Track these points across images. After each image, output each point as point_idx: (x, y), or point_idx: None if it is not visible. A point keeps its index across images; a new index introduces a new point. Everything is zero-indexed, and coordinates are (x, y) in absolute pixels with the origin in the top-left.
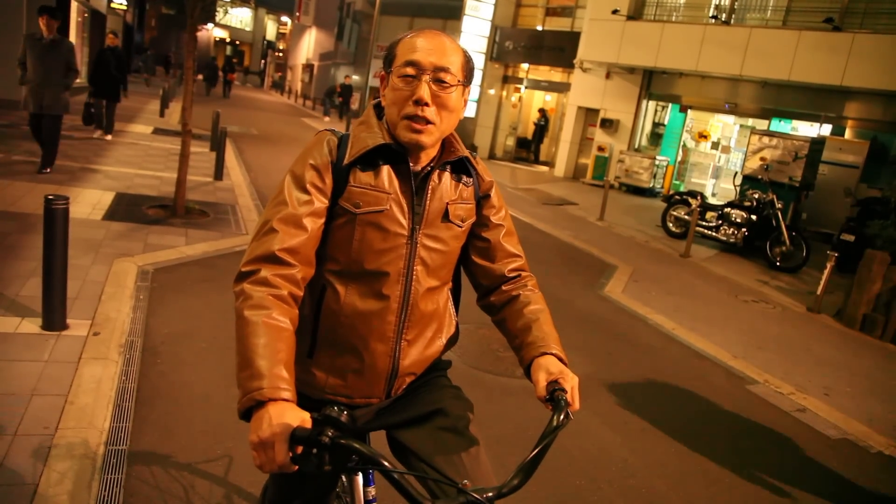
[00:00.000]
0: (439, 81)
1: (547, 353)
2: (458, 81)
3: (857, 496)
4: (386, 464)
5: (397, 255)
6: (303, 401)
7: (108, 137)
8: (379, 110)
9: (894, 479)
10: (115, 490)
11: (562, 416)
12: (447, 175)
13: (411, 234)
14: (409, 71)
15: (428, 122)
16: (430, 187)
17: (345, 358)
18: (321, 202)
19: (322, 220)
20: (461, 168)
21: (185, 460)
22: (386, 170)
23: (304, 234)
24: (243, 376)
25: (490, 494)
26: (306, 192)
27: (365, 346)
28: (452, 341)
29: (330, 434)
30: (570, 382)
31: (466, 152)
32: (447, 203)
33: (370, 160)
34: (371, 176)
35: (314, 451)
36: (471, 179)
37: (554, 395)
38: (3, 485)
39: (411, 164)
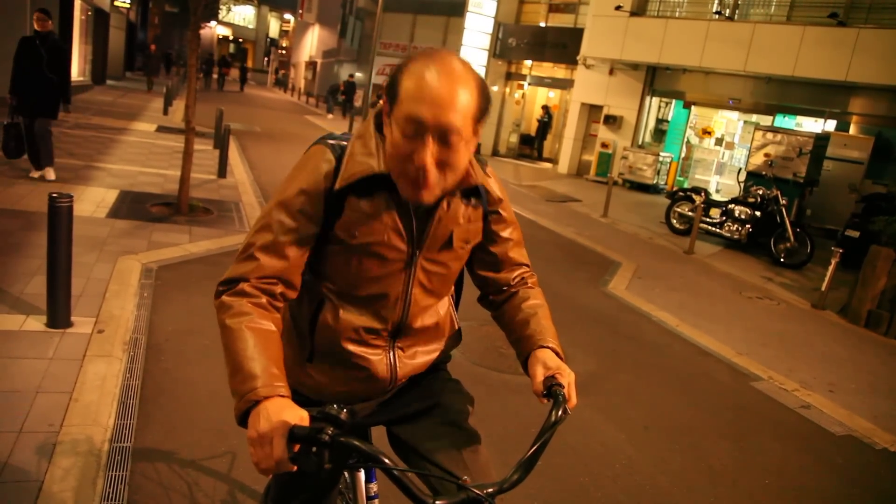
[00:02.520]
0: (445, 142)
1: (544, 347)
2: (469, 137)
3: (862, 493)
4: (387, 461)
5: (395, 279)
6: (302, 401)
7: (52, 175)
8: (381, 120)
9: None
10: (120, 487)
11: (559, 412)
12: (457, 200)
13: (410, 259)
14: (411, 130)
15: (430, 182)
16: (437, 215)
17: (343, 367)
18: (309, 230)
19: (308, 248)
20: (473, 191)
21: (189, 457)
22: (384, 196)
23: (284, 263)
24: (235, 382)
25: (491, 490)
26: (293, 218)
27: (364, 359)
28: (454, 344)
29: (329, 432)
30: (568, 378)
31: (483, 178)
32: (452, 229)
33: (367, 185)
34: (368, 203)
35: (313, 449)
36: (480, 200)
37: (552, 390)
38: (9, 481)
39: None
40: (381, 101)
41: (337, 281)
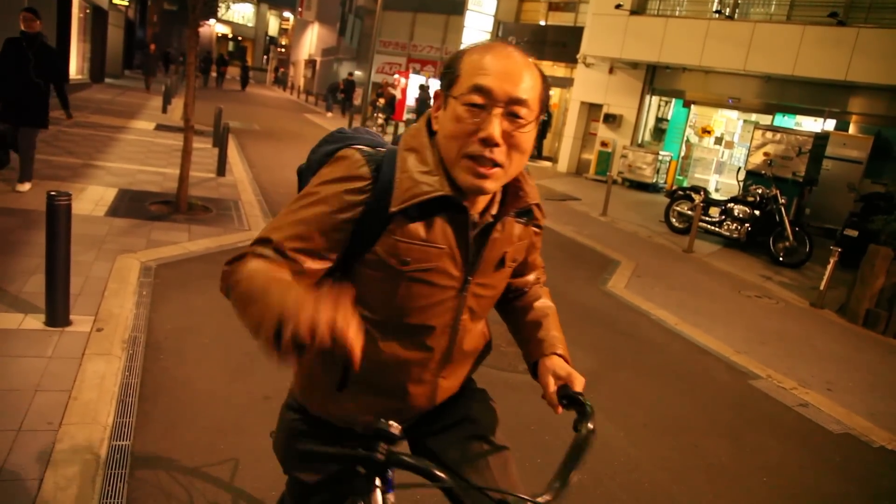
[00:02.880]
0: (514, 116)
1: (554, 354)
2: (536, 117)
3: (859, 490)
4: (441, 475)
5: (445, 308)
6: (329, 429)
7: (26, 187)
8: (431, 128)
9: None
10: (119, 485)
11: (590, 424)
12: (510, 220)
13: (463, 285)
14: (478, 99)
15: (496, 164)
16: (492, 237)
17: (379, 398)
18: (331, 252)
19: (326, 267)
20: (527, 210)
21: (188, 455)
22: (440, 219)
23: (296, 272)
24: (254, 313)
25: (540, 500)
26: (311, 239)
27: (402, 389)
28: (486, 355)
29: (383, 450)
30: (579, 385)
31: (536, 196)
32: (506, 251)
33: (423, 206)
34: (422, 227)
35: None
36: (533, 218)
37: (576, 399)
38: (8, 480)
39: (470, 211)
40: (434, 96)
41: (377, 309)
